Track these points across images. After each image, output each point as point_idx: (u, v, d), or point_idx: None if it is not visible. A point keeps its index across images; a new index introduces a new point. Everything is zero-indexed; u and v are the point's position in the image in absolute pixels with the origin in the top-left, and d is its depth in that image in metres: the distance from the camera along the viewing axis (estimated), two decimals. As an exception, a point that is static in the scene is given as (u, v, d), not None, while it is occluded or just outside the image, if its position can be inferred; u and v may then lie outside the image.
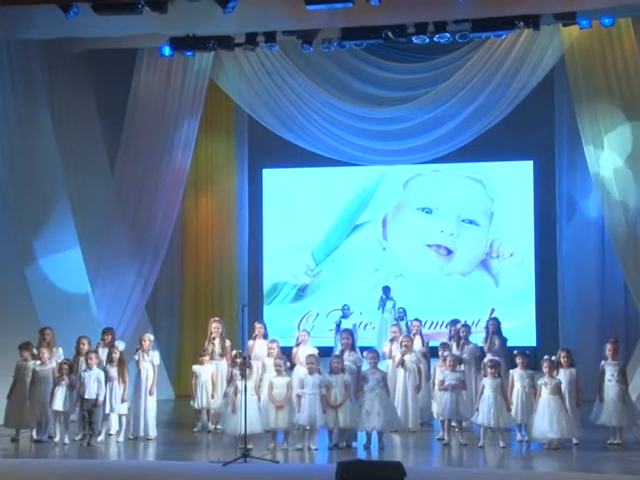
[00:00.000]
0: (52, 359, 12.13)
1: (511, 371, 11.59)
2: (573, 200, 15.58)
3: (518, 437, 11.54)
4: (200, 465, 10.70)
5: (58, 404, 11.73)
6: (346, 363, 11.76)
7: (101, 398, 11.72)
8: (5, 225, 13.58)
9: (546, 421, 10.91)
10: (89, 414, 11.70)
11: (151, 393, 12.06)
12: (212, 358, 12.67)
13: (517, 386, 11.42)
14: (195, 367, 12.53)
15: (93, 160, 15.53)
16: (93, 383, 11.69)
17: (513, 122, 15.12)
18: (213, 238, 17.02)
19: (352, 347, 12.23)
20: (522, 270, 16.82)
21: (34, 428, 11.98)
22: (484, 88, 14.82)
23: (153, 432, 12.05)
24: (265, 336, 12.77)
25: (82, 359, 12.13)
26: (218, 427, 12.23)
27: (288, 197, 17.55)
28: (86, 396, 11.67)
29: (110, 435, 12.04)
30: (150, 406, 12.06)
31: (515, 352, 11.69)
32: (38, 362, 12.01)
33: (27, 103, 14.24)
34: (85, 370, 11.78)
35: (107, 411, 11.88)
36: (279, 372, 11.32)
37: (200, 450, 11.68)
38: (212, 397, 12.37)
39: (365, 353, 12.03)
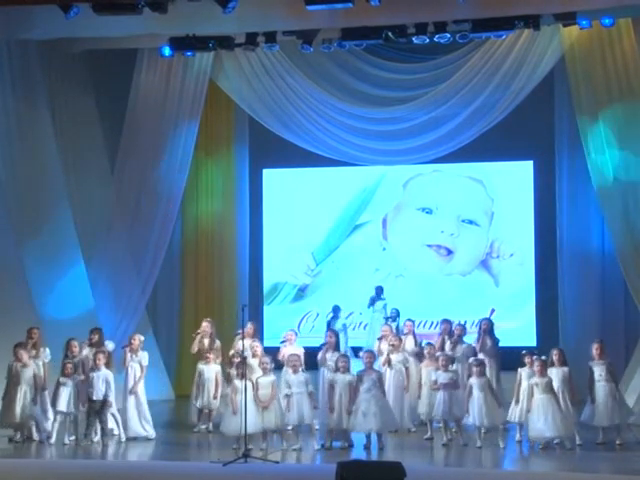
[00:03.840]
0: (39, 359, 12.12)
1: (519, 369, 11.59)
2: (573, 200, 15.58)
3: (517, 437, 11.55)
4: (200, 465, 10.72)
5: (62, 405, 11.72)
6: (329, 363, 11.80)
7: (110, 398, 11.71)
8: (5, 225, 13.58)
9: (541, 420, 10.93)
10: (98, 414, 11.69)
11: (131, 392, 12.01)
12: (199, 357, 12.70)
13: (524, 385, 11.41)
14: (200, 365, 12.55)
15: (93, 160, 15.54)
16: (102, 384, 11.68)
17: (513, 122, 15.10)
18: (213, 238, 17.02)
19: (336, 347, 12.25)
20: (522, 270, 16.80)
21: (14, 429, 11.99)
22: (484, 88, 14.83)
23: (150, 432, 12.07)
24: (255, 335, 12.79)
25: (77, 360, 12.11)
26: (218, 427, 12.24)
27: (288, 197, 17.53)
28: (94, 397, 11.66)
29: (114, 435, 12.04)
30: (134, 406, 12.02)
31: (523, 352, 11.69)
32: (20, 363, 11.98)
33: (27, 103, 14.25)
34: (93, 370, 11.76)
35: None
36: (265, 371, 11.30)
37: (200, 450, 11.70)
38: (214, 397, 12.37)
39: (361, 353, 12.04)
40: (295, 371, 11.27)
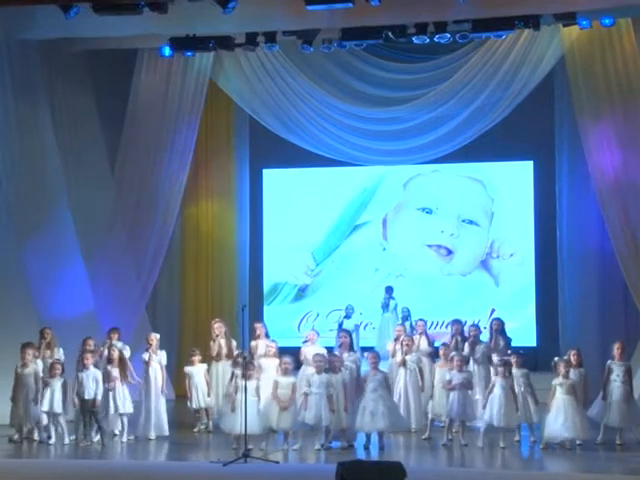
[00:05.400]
0: (51, 359, 12.13)
1: None
2: (573, 200, 15.58)
3: (516, 437, 11.54)
4: (200, 465, 10.71)
5: (45, 405, 11.71)
6: (346, 363, 11.77)
7: (99, 398, 11.70)
8: (5, 225, 13.58)
9: (560, 421, 10.90)
10: (92, 414, 11.69)
11: (163, 393, 12.10)
12: (219, 359, 12.69)
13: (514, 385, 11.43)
14: (187, 368, 12.56)
15: (93, 160, 15.53)
16: (92, 383, 11.68)
17: (513, 122, 15.11)
18: (213, 238, 17.02)
19: (350, 347, 12.24)
20: (522, 270, 16.80)
21: (31, 429, 12.00)
22: (484, 88, 14.84)
23: (166, 431, 12.11)
24: (267, 336, 12.79)
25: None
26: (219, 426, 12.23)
27: (288, 197, 17.53)
28: (86, 397, 11.65)
29: (115, 435, 12.05)
30: (162, 406, 12.11)
31: (509, 352, 11.69)
32: (21, 363, 11.97)
33: (27, 103, 14.25)
34: (82, 370, 11.76)
35: (112, 411, 11.86)
36: (286, 372, 11.30)
37: (200, 450, 11.69)
38: (208, 396, 12.37)
39: (366, 354, 12.03)
40: (319, 371, 11.23)
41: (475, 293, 16.80)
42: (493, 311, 13.94)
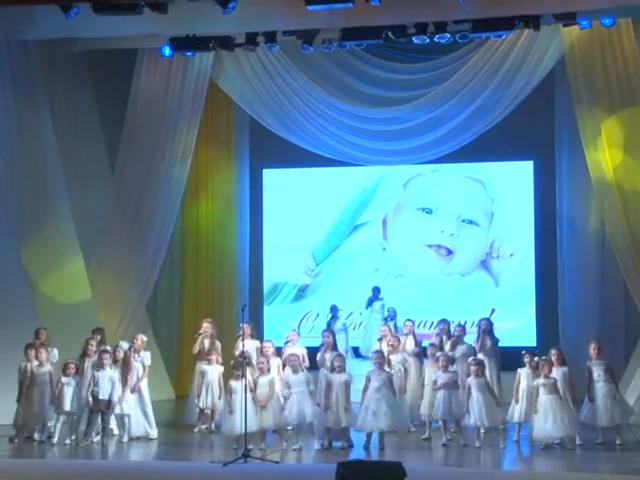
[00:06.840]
0: (48, 360, 12.10)
1: (519, 370, 11.59)
2: (573, 200, 15.58)
3: (515, 437, 11.54)
4: (200, 465, 10.71)
5: (67, 405, 11.70)
6: (327, 363, 11.80)
7: (115, 399, 11.68)
8: (5, 225, 13.59)
9: (549, 421, 10.90)
10: (102, 414, 11.67)
11: (133, 391, 11.92)
12: (200, 358, 12.68)
13: (523, 384, 11.43)
14: (203, 366, 12.51)
15: (93, 160, 15.56)
16: (107, 383, 11.66)
17: (513, 122, 15.11)
18: (213, 238, 17.03)
19: (334, 347, 12.26)
20: (522, 270, 16.79)
21: (35, 429, 11.98)
22: (484, 88, 14.84)
23: (152, 432, 12.03)
24: (253, 336, 12.75)
25: (89, 360, 12.12)
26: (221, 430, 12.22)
27: (288, 197, 17.52)
28: (100, 397, 11.61)
29: (115, 435, 12.04)
30: (137, 405, 11.96)
31: (523, 352, 11.68)
32: (36, 363, 11.95)
33: (27, 103, 14.26)
34: (98, 370, 11.73)
35: (117, 411, 11.86)
36: (262, 371, 11.31)
37: (200, 450, 11.68)
38: (219, 398, 12.31)
39: (371, 354, 12.04)
40: (295, 371, 11.25)
41: (475, 293, 16.80)
42: (493, 311, 13.92)
